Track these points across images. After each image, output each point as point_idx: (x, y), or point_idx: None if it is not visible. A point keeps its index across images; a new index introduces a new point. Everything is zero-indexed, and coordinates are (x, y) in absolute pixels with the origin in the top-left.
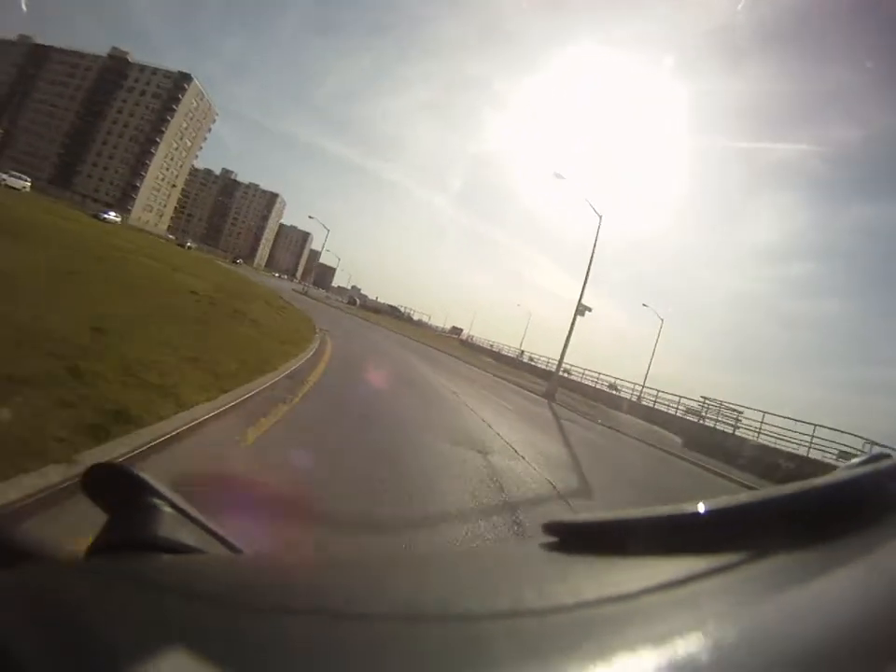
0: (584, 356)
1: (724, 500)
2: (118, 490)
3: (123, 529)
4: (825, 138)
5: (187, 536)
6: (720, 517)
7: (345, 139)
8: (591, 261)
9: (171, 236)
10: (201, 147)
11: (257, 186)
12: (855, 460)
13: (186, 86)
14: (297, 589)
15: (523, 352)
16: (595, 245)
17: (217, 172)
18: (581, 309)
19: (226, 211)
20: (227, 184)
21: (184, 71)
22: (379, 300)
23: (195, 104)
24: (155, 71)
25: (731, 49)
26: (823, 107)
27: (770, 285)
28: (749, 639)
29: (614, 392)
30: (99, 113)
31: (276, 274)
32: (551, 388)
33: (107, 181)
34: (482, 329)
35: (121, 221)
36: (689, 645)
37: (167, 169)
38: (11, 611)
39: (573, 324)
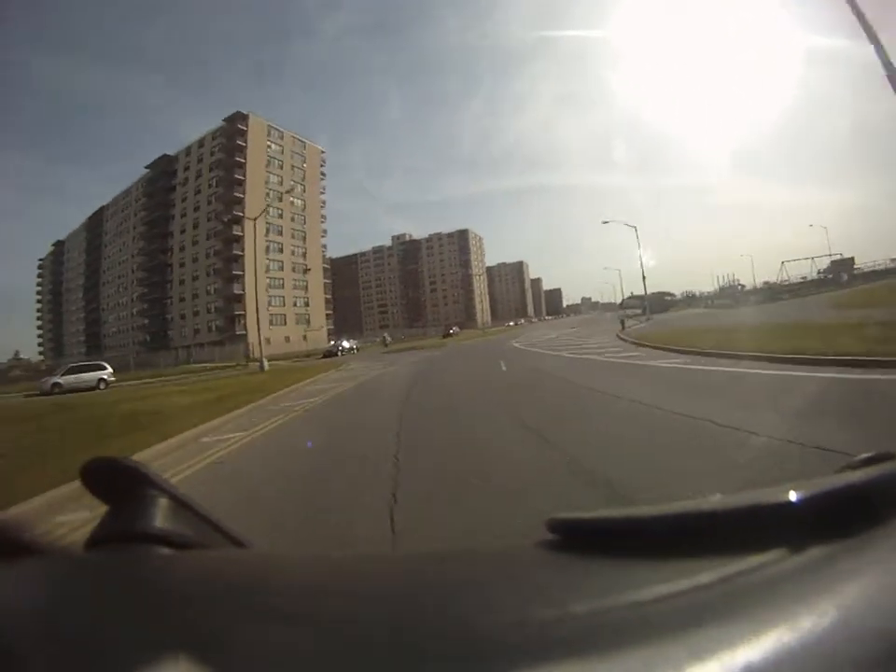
0: None
1: (734, 499)
2: (118, 484)
3: (124, 521)
4: None
5: (189, 530)
6: (730, 517)
7: (503, 172)
8: None
9: (349, 344)
10: (322, 204)
11: (440, 233)
12: (860, 457)
13: (242, 127)
14: (302, 590)
15: None
16: None
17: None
18: None
19: (417, 279)
20: (405, 248)
21: (231, 113)
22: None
23: (273, 146)
24: (202, 142)
25: None
26: None
27: None
28: (766, 652)
29: None
30: (161, 236)
31: (511, 323)
32: None
33: (203, 310)
34: None
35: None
36: (704, 661)
37: (280, 251)
38: (11, 604)
39: None
